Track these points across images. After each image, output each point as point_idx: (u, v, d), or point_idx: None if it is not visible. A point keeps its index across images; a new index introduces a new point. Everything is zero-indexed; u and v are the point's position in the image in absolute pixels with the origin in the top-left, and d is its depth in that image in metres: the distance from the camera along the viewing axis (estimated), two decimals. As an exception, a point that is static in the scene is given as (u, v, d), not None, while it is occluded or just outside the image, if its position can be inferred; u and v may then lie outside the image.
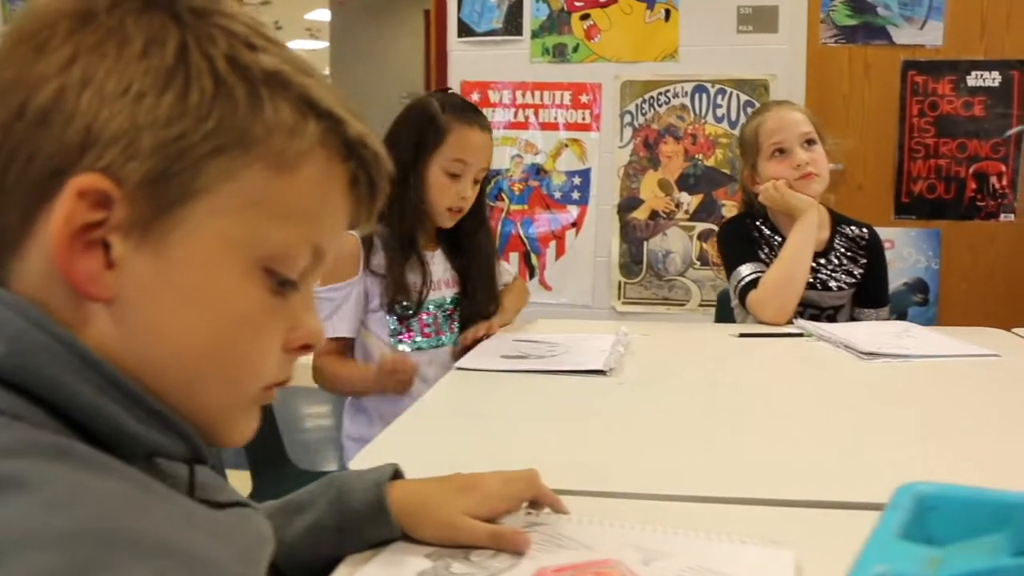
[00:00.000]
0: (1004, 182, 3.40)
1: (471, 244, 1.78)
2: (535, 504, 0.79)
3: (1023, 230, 3.39)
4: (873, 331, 1.69)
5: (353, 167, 0.56)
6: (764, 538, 0.72)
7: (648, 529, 0.75)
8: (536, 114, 3.51)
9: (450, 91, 1.77)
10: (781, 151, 1.94)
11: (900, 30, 3.38)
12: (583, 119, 3.48)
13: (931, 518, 0.50)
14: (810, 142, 1.94)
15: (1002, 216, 3.41)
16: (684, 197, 3.45)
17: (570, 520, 0.77)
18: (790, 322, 1.80)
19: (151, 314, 0.51)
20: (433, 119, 1.65)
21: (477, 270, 1.78)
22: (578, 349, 1.55)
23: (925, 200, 3.45)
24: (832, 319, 2.00)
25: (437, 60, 3.59)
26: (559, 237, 3.54)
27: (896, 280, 3.49)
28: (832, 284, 1.96)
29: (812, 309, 1.97)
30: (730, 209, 3.44)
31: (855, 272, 1.99)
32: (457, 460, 0.97)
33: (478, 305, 1.74)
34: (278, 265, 0.53)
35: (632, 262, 3.50)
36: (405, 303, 1.68)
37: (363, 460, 1.01)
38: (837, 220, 2.06)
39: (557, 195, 3.53)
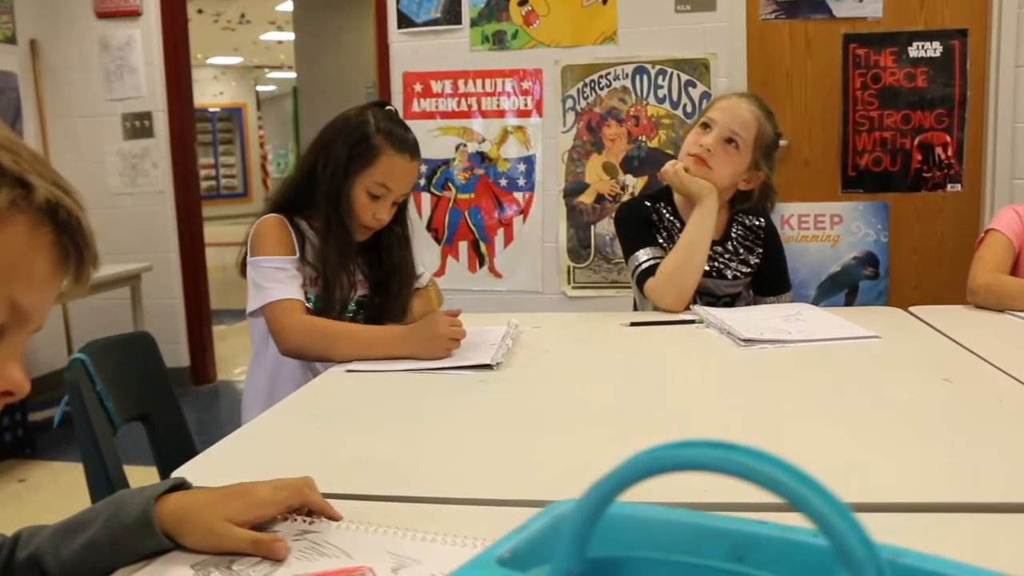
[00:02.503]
0: (949, 152, 3.39)
1: (389, 259, 1.79)
2: (312, 511, 0.81)
3: (970, 200, 3.39)
4: (763, 315, 1.69)
5: (53, 231, 0.61)
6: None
7: (410, 535, 0.76)
8: (479, 102, 3.50)
9: (388, 107, 1.75)
10: (705, 126, 1.92)
11: (840, 3, 3.36)
12: (525, 105, 3.48)
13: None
14: (730, 141, 1.88)
15: (949, 187, 3.40)
16: (629, 179, 3.45)
17: (339, 527, 0.78)
18: (688, 308, 1.80)
19: None
20: (366, 139, 1.65)
21: (397, 288, 1.78)
22: (469, 344, 1.55)
23: (872, 173, 3.44)
24: (729, 305, 1.99)
25: (379, 52, 3.58)
26: (507, 224, 3.54)
27: (846, 254, 3.50)
28: (728, 273, 1.95)
29: (708, 297, 1.95)
30: (675, 190, 3.44)
31: (751, 261, 1.98)
32: (290, 463, 0.99)
33: (388, 315, 1.75)
34: None
35: (580, 246, 3.51)
36: (333, 300, 1.70)
37: (203, 462, 1.02)
38: (732, 206, 2.04)
39: (503, 182, 3.53)
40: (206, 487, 0.81)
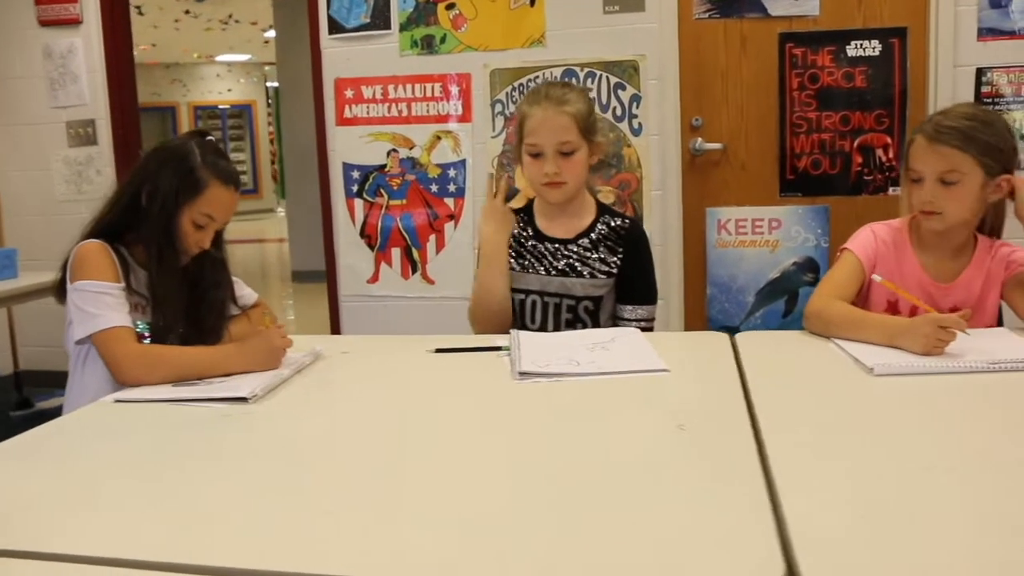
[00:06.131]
0: (891, 154, 3.28)
1: (203, 281, 1.80)
2: None
3: (913, 203, 3.27)
4: (570, 343, 1.63)
5: None
6: None
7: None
8: (409, 108, 3.47)
9: (209, 137, 1.78)
10: (535, 154, 1.92)
11: (775, 1, 3.26)
12: (455, 110, 3.44)
13: None
14: (565, 153, 1.88)
15: (891, 190, 3.29)
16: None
17: None
18: (507, 332, 1.78)
19: None
20: (192, 172, 1.69)
21: (208, 308, 1.79)
22: (242, 374, 1.54)
23: (811, 176, 3.34)
24: (593, 313, 1.96)
25: (312, 58, 3.56)
26: (438, 230, 3.51)
27: (785, 260, 3.40)
28: (583, 270, 1.93)
29: (567, 299, 1.94)
30: (606, 195, 3.38)
31: (610, 262, 1.95)
32: None
33: (201, 336, 1.74)
34: None
35: (510, 253, 3.46)
36: (165, 325, 1.70)
37: None
38: (603, 210, 2.02)
39: (434, 188, 3.49)
40: None
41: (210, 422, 1.30)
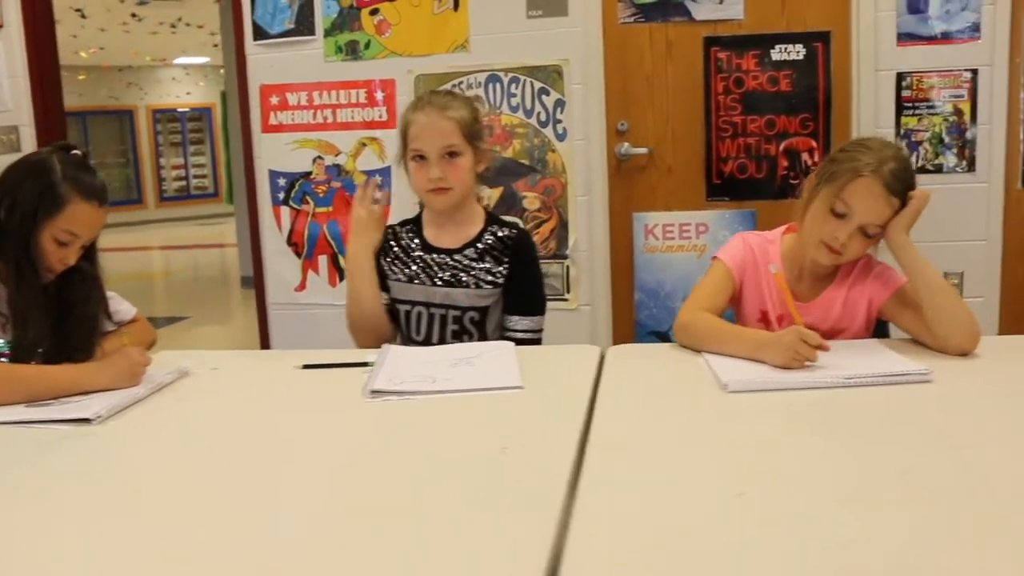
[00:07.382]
0: (816, 158, 3.28)
1: (71, 296, 1.74)
2: None
3: (838, 207, 3.27)
4: (437, 358, 1.61)
5: None
6: None
7: None
8: (334, 114, 3.44)
9: (74, 151, 1.73)
10: (419, 157, 1.90)
11: (699, 5, 3.25)
12: (380, 117, 3.41)
13: None
14: (451, 154, 1.88)
15: (816, 193, 3.28)
16: (484, 191, 3.34)
17: None
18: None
19: None
20: (52, 187, 1.63)
21: (76, 324, 1.74)
22: (100, 393, 1.50)
23: (737, 180, 3.33)
24: (479, 324, 1.93)
25: (237, 65, 3.51)
26: (365, 238, 3.47)
27: (714, 264, 3.39)
28: (468, 281, 1.90)
29: (453, 310, 1.92)
30: (531, 201, 3.36)
31: (496, 272, 1.92)
32: None
33: (69, 353, 1.70)
34: None
35: (437, 260, 3.43)
36: (27, 343, 1.66)
37: None
38: (491, 220, 2.01)
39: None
40: None
41: (49, 444, 1.27)
